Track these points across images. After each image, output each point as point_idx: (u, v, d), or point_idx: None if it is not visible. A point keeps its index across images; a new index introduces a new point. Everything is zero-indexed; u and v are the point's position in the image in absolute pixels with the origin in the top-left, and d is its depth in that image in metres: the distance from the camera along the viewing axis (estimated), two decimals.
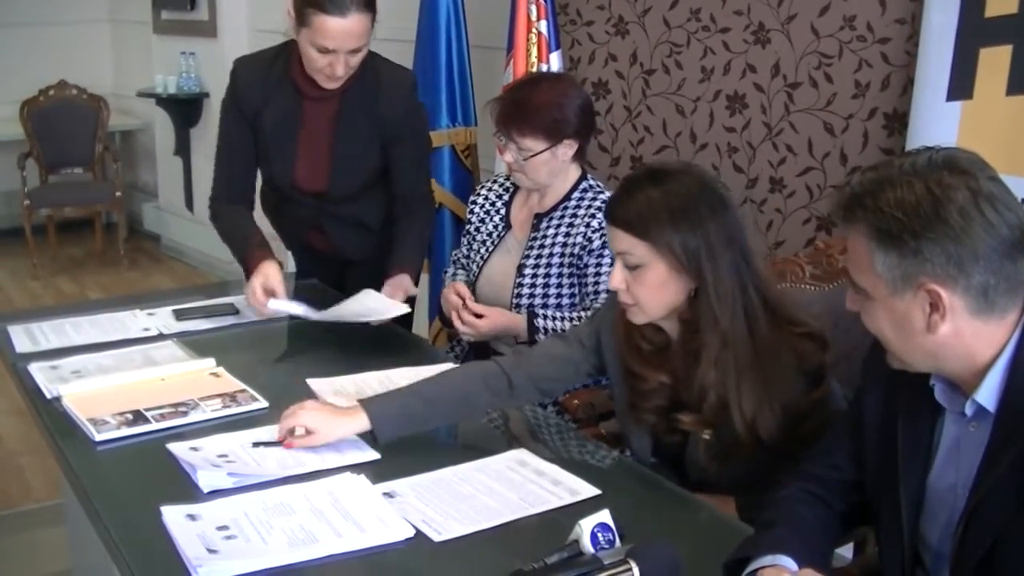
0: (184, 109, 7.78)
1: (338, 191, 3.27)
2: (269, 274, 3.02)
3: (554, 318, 2.98)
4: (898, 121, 3.42)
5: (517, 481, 2.20)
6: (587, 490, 2.15)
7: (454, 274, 3.33)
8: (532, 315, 2.98)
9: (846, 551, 2.50)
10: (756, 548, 1.78)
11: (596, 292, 2.97)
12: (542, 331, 2.95)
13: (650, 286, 2.18)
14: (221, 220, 3.29)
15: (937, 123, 3.15)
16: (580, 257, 3.00)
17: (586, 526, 1.81)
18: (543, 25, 4.25)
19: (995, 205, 1.58)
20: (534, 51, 4.24)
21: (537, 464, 2.27)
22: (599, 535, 1.82)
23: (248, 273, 3.11)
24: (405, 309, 3.02)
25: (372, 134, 3.20)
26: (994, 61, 3.07)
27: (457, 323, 3.03)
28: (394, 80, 3.22)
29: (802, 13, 3.67)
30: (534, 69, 4.20)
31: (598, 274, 2.97)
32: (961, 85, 3.14)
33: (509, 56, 4.29)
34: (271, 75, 3.18)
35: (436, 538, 1.96)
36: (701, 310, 2.17)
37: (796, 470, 1.99)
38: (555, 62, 4.27)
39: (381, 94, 3.16)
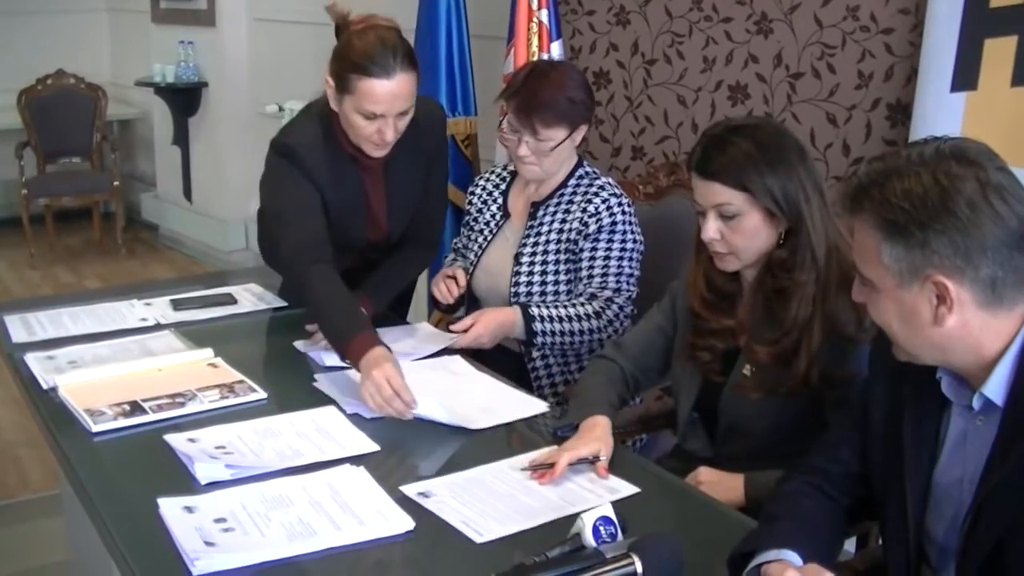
0: (182, 98, 7.75)
1: (395, 234, 3.16)
2: (393, 372, 2.49)
3: (548, 307, 2.94)
4: (902, 112, 3.41)
5: (554, 479, 2.15)
6: (626, 488, 2.11)
7: (453, 260, 3.33)
8: (525, 309, 2.94)
9: (849, 545, 2.49)
10: (760, 542, 1.77)
11: (590, 276, 2.96)
12: (538, 319, 2.92)
13: (746, 233, 2.27)
14: (312, 285, 2.79)
15: (941, 114, 3.13)
16: (576, 243, 2.98)
17: (588, 519, 1.79)
18: (544, 14, 4.22)
19: (1004, 196, 1.57)
20: (535, 41, 4.22)
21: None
22: (601, 528, 1.80)
23: (343, 353, 2.66)
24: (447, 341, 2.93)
25: (419, 173, 3.10)
26: (999, 52, 3.05)
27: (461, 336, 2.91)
28: (428, 113, 3.08)
29: (805, 3, 3.65)
30: (535, 59, 4.18)
31: (592, 258, 2.95)
32: (966, 76, 3.12)
33: (510, 46, 4.27)
34: (329, 153, 2.94)
35: (478, 539, 1.92)
36: (798, 249, 2.26)
37: (801, 463, 1.98)
38: (556, 51, 4.25)
39: (420, 133, 3.00)
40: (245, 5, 7.21)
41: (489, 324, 2.91)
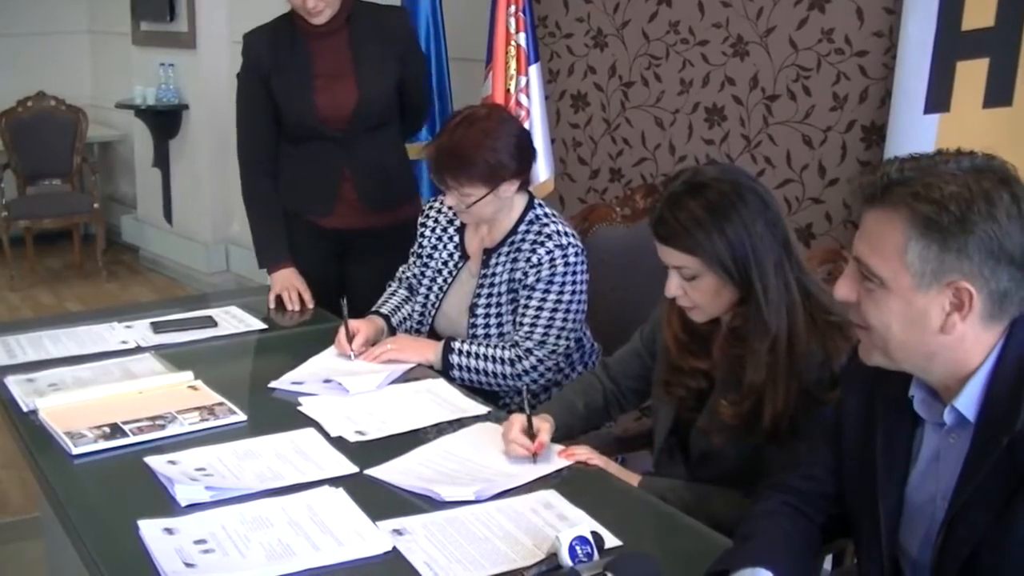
0: (163, 120, 7.75)
1: (367, 110, 3.52)
2: (296, 284, 3.49)
3: (472, 344, 2.93)
4: (876, 134, 3.44)
5: (537, 525, 2.06)
6: (609, 540, 1.96)
7: (394, 291, 3.25)
8: (448, 346, 2.92)
9: (825, 562, 2.50)
10: (734, 560, 1.78)
11: (520, 324, 2.91)
12: (455, 352, 2.90)
13: (706, 292, 2.25)
14: (252, 197, 3.64)
15: (915, 135, 3.16)
16: (518, 292, 2.94)
17: (564, 539, 1.81)
18: (522, 38, 4.25)
19: None
20: (513, 64, 4.25)
21: (563, 508, 2.13)
22: (577, 548, 1.82)
23: (264, 264, 3.59)
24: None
25: (384, 50, 3.53)
26: (971, 74, 3.09)
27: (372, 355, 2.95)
28: (390, 6, 3.73)
29: (780, 26, 3.68)
30: (513, 82, 4.21)
31: (527, 307, 2.90)
32: (938, 98, 3.16)
33: (488, 69, 4.29)
34: (277, 33, 3.52)
35: None
36: (750, 317, 2.22)
37: (775, 482, 1.99)
38: (534, 75, 4.28)
39: (383, 15, 3.59)
40: (225, 28, 7.22)
41: (407, 340, 3.04)
